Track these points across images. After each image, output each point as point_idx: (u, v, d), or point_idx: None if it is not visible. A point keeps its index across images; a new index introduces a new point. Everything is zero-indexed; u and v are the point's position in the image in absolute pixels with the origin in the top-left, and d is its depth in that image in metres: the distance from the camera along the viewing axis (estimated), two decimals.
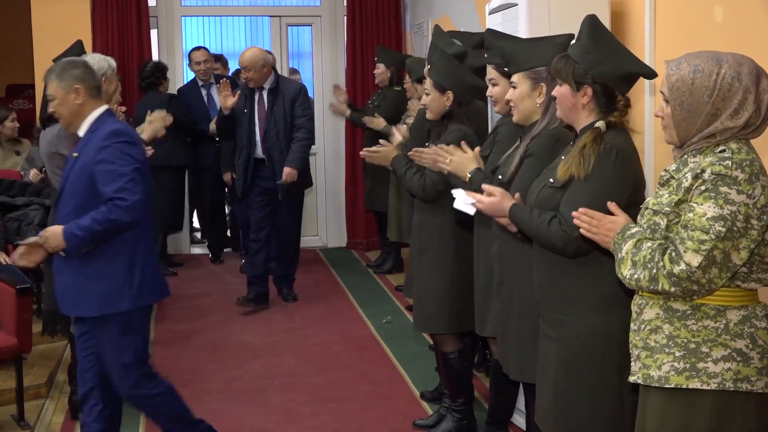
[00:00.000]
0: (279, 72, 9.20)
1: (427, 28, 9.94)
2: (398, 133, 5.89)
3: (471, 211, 4.19)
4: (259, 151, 8.51)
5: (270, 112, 8.40)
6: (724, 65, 3.08)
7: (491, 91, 4.83)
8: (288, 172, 8.32)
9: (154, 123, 6.19)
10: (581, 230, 3.38)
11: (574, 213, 3.39)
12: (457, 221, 5.21)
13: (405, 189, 5.56)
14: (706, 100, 3.08)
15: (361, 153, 5.68)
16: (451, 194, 4.34)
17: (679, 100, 3.13)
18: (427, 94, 5.34)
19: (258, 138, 8.49)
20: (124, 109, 6.58)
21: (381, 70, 9.59)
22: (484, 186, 4.07)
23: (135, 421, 5.96)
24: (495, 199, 3.97)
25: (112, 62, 6.27)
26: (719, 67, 3.08)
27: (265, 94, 8.43)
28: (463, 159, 4.65)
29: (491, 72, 4.83)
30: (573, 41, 3.94)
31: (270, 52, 9.68)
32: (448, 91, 5.24)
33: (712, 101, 3.08)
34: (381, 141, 5.64)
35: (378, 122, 8.89)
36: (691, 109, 3.11)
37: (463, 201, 4.20)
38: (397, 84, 9.48)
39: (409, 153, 5.21)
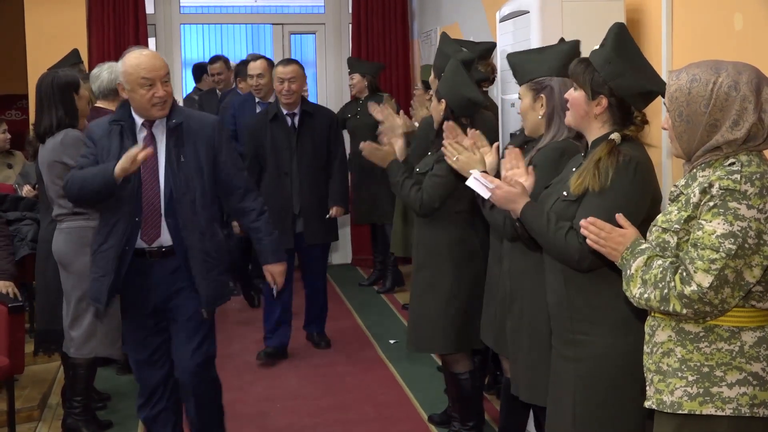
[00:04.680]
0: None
1: (435, 36, 9.84)
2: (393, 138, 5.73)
3: (485, 194, 3.99)
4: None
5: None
6: (722, 74, 3.02)
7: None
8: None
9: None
10: (588, 241, 3.27)
11: (582, 222, 3.29)
12: (460, 239, 5.14)
13: (400, 199, 5.45)
14: (703, 110, 3.03)
15: (361, 145, 5.55)
16: (469, 173, 4.19)
17: (677, 110, 3.08)
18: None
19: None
20: None
21: (356, 80, 9.50)
22: (508, 173, 3.93)
23: (132, 422, 5.96)
24: (514, 190, 3.80)
25: None
26: (717, 76, 3.02)
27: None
28: (470, 159, 4.50)
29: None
30: (596, 47, 3.82)
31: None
32: (442, 99, 5.17)
33: (709, 111, 3.03)
34: (365, 144, 5.51)
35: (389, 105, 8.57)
36: (689, 120, 3.05)
37: (479, 181, 4.02)
38: (378, 92, 9.37)
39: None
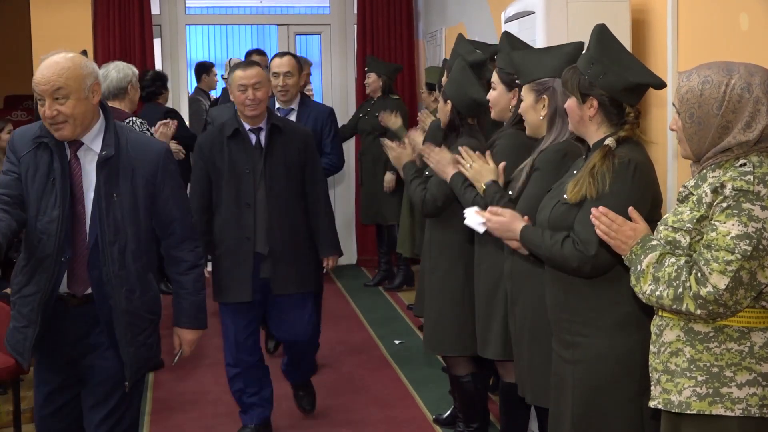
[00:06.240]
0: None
1: (440, 36, 9.82)
2: (413, 134, 5.79)
3: (480, 230, 4.09)
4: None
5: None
6: (734, 76, 3.01)
7: (489, 94, 4.85)
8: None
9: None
10: (597, 231, 3.26)
11: (593, 212, 3.27)
12: (470, 239, 5.09)
13: (409, 197, 5.46)
14: (716, 112, 3.02)
15: (382, 139, 5.57)
16: (463, 213, 4.25)
17: (689, 112, 3.07)
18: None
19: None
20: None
21: (372, 80, 9.52)
22: (490, 207, 4.00)
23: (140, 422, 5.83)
24: (504, 219, 3.88)
25: (135, 69, 6.54)
26: (729, 78, 3.01)
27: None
28: (482, 169, 4.56)
29: (494, 75, 4.82)
30: (583, 51, 3.84)
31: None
32: (449, 101, 5.17)
33: (721, 113, 3.02)
34: (385, 141, 5.61)
35: (395, 121, 8.66)
36: (701, 121, 3.04)
37: (474, 219, 4.11)
38: (391, 93, 9.38)
39: (420, 148, 5.14)
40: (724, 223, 2.93)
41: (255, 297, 5.69)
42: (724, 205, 2.94)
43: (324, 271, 6.03)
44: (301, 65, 7.21)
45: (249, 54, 9.24)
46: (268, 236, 5.63)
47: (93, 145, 4.00)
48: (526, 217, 3.89)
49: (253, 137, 5.65)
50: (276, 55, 6.83)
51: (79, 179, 3.99)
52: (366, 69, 9.74)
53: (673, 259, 3.03)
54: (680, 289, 2.97)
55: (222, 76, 10.75)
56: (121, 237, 3.99)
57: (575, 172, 3.73)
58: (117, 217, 3.98)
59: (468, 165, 4.58)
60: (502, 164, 4.56)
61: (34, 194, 3.98)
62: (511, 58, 4.49)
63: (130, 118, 6.58)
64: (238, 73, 5.65)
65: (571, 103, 3.71)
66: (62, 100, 3.87)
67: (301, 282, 5.78)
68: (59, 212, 3.93)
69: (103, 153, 3.96)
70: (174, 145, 6.87)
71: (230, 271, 5.66)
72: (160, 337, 4.28)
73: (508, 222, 3.86)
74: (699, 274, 2.95)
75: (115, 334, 4.03)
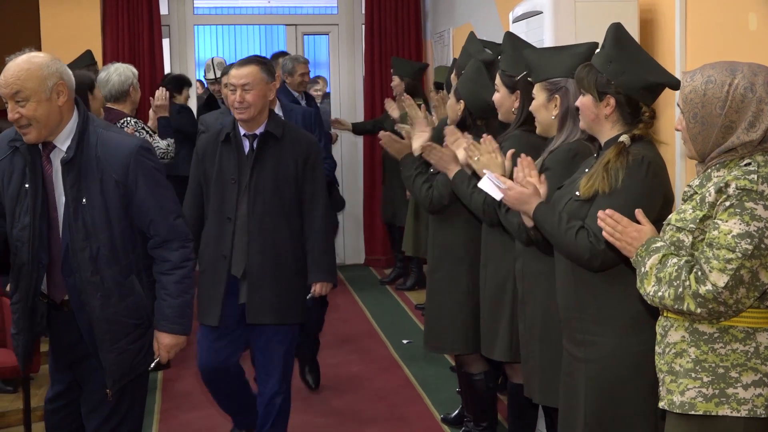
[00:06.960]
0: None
1: (448, 36, 9.81)
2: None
3: (497, 195, 4.01)
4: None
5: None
6: (737, 75, 3.00)
7: (494, 96, 4.84)
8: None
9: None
10: (604, 233, 3.25)
11: (599, 214, 3.27)
12: (473, 239, 5.09)
13: (411, 194, 5.41)
14: (719, 111, 3.01)
15: (380, 134, 5.48)
16: (483, 173, 4.21)
17: (692, 112, 3.06)
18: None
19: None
20: None
21: (396, 82, 9.50)
22: (521, 176, 3.90)
23: (148, 421, 5.88)
24: (526, 191, 3.82)
25: (135, 70, 6.56)
26: (732, 78, 3.00)
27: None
28: (490, 162, 4.50)
29: (497, 77, 4.81)
30: (597, 50, 3.84)
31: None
32: (461, 100, 5.15)
33: (724, 113, 3.00)
34: (383, 133, 5.47)
35: (396, 107, 8.43)
36: (704, 121, 3.03)
37: (492, 182, 4.02)
38: (416, 96, 9.34)
39: (420, 146, 5.12)
40: (726, 221, 2.92)
41: (229, 322, 5.12)
42: (727, 203, 2.94)
43: (308, 296, 5.23)
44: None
45: (275, 57, 9.05)
46: (245, 257, 5.07)
47: (64, 147, 3.88)
48: (543, 186, 3.87)
49: (247, 144, 5.11)
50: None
51: (51, 183, 3.89)
52: (391, 71, 9.71)
53: (675, 260, 3.02)
54: (680, 289, 2.97)
55: (205, 76, 10.69)
56: (92, 242, 3.85)
57: (587, 170, 3.73)
58: (86, 221, 3.84)
59: (476, 158, 4.57)
60: (510, 151, 4.51)
61: (10, 200, 3.92)
62: (524, 55, 4.48)
63: (125, 119, 6.60)
64: (231, 71, 5.16)
65: (585, 101, 3.70)
66: (23, 102, 3.75)
67: (280, 313, 5.13)
68: (30, 219, 3.85)
69: (63, 156, 3.85)
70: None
71: (203, 291, 5.18)
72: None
73: (530, 194, 3.80)
74: (699, 273, 2.94)
75: (95, 341, 3.93)
